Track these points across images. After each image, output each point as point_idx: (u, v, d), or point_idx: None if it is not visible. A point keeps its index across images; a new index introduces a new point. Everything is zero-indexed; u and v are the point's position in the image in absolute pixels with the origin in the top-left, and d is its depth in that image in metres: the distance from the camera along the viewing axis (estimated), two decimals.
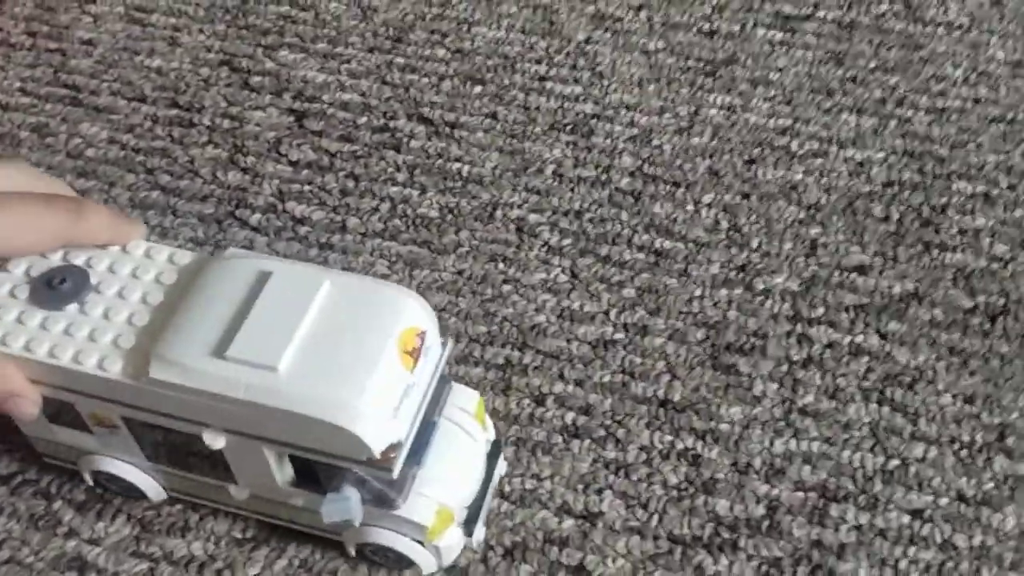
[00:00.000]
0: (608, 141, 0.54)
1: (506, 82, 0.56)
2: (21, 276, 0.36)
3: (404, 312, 0.34)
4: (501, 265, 0.48)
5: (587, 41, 0.59)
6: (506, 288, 0.47)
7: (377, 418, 0.32)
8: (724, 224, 0.50)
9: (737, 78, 0.56)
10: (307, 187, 0.52)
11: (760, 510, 0.40)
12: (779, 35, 0.58)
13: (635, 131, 0.54)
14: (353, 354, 0.33)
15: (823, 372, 0.44)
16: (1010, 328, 0.45)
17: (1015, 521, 0.39)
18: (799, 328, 0.46)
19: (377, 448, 0.32)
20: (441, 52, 0.58)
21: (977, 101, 0.54)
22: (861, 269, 0.48)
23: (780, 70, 0.57)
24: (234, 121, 0.55)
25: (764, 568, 0.39)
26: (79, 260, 0.36)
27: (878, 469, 0.41)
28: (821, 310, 0.46)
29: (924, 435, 0.42)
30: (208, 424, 0.34)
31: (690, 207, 0.51)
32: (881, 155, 0.52)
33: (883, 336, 0.45)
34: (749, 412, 0.43)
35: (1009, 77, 0.55)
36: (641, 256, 0.49)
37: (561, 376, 0.44)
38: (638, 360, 0.45)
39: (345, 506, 0.34)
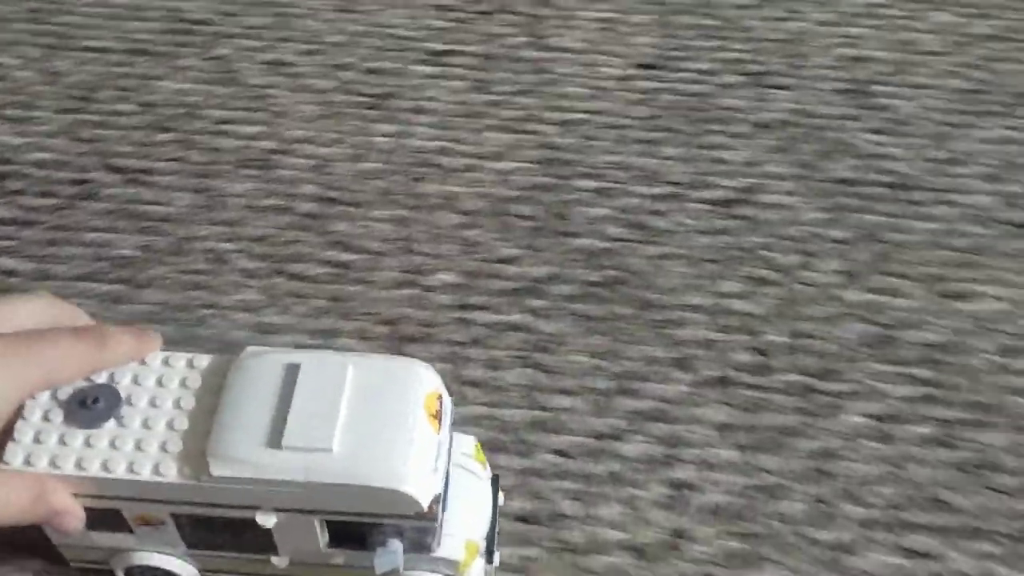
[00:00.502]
0: (290, 172, 0.61)
1: (190, 128, 0.62)
2: (50, 401, 0.38)
3: (422, 381, 0.39)
4: (197, 292, 0.54)
5: (264, 86, 0.65)
6: (204, 312, 0.53)
7: (422, 477, 0.36)
8: (396, 235, 0.58)
9: (397, 108, 0.65)
10: (13, 242, 0.55)
11: None
12: (430, 69, 0.67)
13: (313, 162, 0.61)
14: (391, 425, 0.37)
15: (484, 348, 0.53)
16: (627, 294, 0.56)
17: (639, 450, 0.50)
18: (462, 315, 0.55)
19: (425, 503, 0.37)
20: (128, 107, 0.63)
21: (595, 113, 0.66)
22: (510, 260, 0.57)
23: (434, 99, 0.66)
24: None
25: None
26: (102, 378, 0.39)
27: (529, 422, 0.50)
28: (480, 298, 0.56)
29: (564, 388, 0.52)
30: (262, 507, 0.37)
31: (366, 223, 0.59)
32: (521, 165, 0.62)
33: (530, 312, 0.55)
34: None
35: (617, 90, 0.67)
36: (327, 270, 0.56)
37: None
38: None
39: (394, 557, 0.38)
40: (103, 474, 0.37)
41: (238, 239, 0.57)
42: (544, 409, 0.51)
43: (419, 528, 0.38)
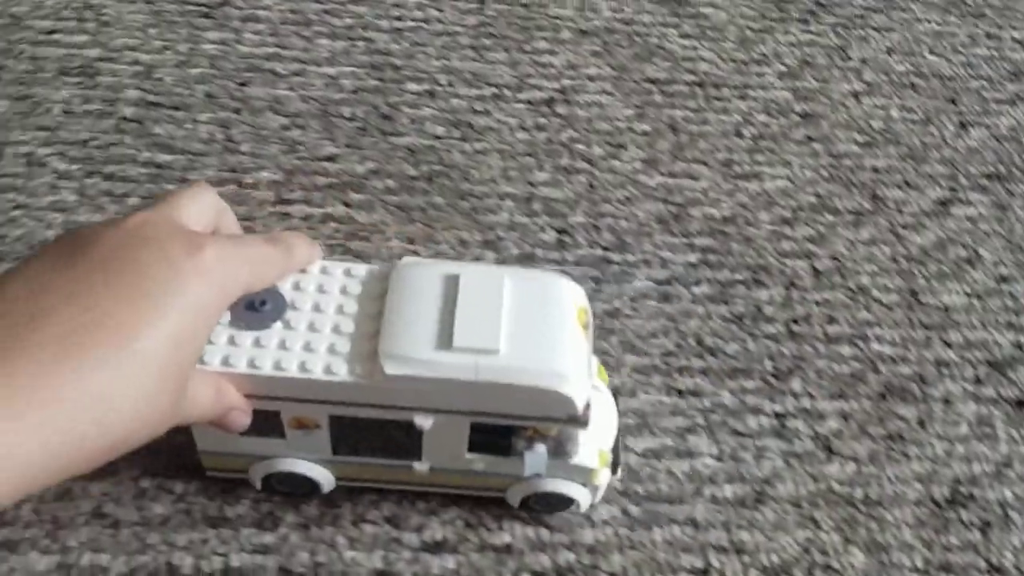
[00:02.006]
0: (113, 79, 0.61)
1: (14, 38, 0.62)
2: None
3: (573, 294, 0.40)
4: (11, 195, 0.55)
5: None
6: (16, 213, 0.54)
7: (577, 381, 0.38)
8: (219, 136, 0.59)
9: (230, 16, 0.66)
10: None
11: None
12: None
13: (138, 68, 0.62)
14: (549, 331, 0.38)
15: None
16: (445, 186, 0.58)
17: None
18: (280, 208, 0.56)
19: (581, 406, 0.38)
20: None
21: (426, 21, 0.67)
22: (332, 158, 0.59)
23: (267, 8, 0.67)
24: None
25: None
26: None
27: None
28: (299, 193, 0.57)
29: None
30: (426, 409, 0.38)
31: (188, 126, 0.59)
32: (350, 70, 0.64)
33: (347, 205, 0.56)
34: None
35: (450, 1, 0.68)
36: (144, 170, 0.57)
37: None
38: None
39: (541, 460, 0.39)
40: (275, 373, 0.38)
41: (56, 143, 0.57)
42: None
43: (562, 434, 0.40)
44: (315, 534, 0.44)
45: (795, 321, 0.52)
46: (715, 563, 0.44)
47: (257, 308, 0.39)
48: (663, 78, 0.64)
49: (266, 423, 0.40)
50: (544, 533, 0.44)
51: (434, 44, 0.66)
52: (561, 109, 0.62)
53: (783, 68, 0.64)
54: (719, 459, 0.47)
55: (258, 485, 0.44)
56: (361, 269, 0.41)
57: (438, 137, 0.60)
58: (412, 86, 0.63)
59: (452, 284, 0.39)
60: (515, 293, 0.39)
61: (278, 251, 0.40)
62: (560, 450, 0.41)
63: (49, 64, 0.61)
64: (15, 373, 0.30)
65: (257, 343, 0.38)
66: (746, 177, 0.58)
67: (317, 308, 0.39)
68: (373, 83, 0.63)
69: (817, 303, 0.53)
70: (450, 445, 0.41)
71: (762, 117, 0.62)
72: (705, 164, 0.59)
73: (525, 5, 0.68)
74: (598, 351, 0.48)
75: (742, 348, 0.51)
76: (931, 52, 0.66)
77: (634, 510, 0.45)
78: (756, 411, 0.48)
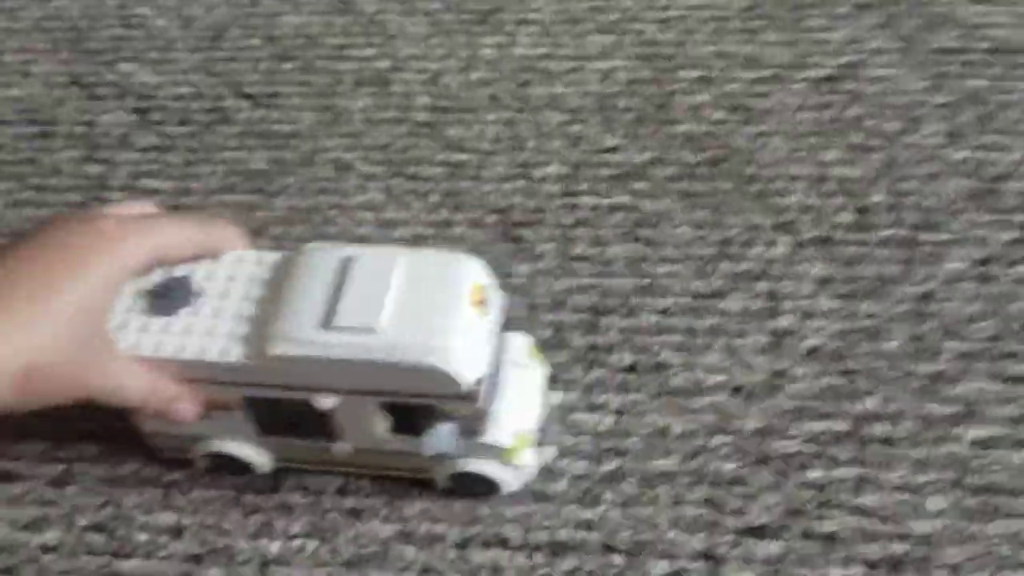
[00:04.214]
0: (404, 87, 0.65)
1: (311, 55, 0.67)
2: (133, 291, 0.42)
3: (468, 271, 0.41)
4: (324, 196, 0.59)
5: (377, 12, 0.70)
6: (332, 213, 0.58)
7: (463, 358, 0.38)
8: (505, 135, 0.61)
9: (504, 21, 0.68)
10: (155, 166, 0.61)
11: (548, 332, 0.51)
12: None
13: (425, 76, 0.65)
14: (435, 309, 0.39)
15: (589, 228, 0.56)
16: (729, 170, 0.57)
17: (739, 306, 0.51)
18: (569, 200, 0.57)
19: (466, 383, 0.38)
20: (255, 41, 0.69)
21: (694, 8, 0.67)
22: (613, 150, 0.60)
23: (538, 10, 0.68)
24: (86, 127, 0.64)
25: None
26: (182, 273, 0.42)
27: (635, 288, 0.53)
28: (585, 185, 0.58)
29: (667, 257, 0.54)
30: (319, 388, 0.40)
31: (477, 127, 0.62)
32: (622, 63, 0.64)
33: (632, 194, 0.57)
34: (534, 267, 0.54)
35: None
36: (440, 170, 0.60)
37: None
38: (444, 245, 0.56)
39: (441, 440, 0.40)
40: (176, 356, 0.40)
41: (360, 149, 0.61)
42: (649, 277, 0.53)
43: (468, 413, 0.40)
44: (634, 512, 0.44)
45: None
46: None
47: (167, 296, 0.41)
48: (955, 47, 0.61)
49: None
50: (875, 523, 0.43)
51: (704, 31, 0.65)
52: (846, 86, 0.60)
53: None
54: None
55: (202, 465, 0.46)
56: (272, 256, 0.43)
57: (717, 122, 0.60)
58: (685, 74, 0.63)
59: (346, 266, 0.40)
60: (407, 273, 0.40)
61: (191, 224, 0.43)
62: (471, 429, 0.41)
63: (346, 78, 0.66)
64: None
65: (165, 328, 0.41)
66: None
67: (225, 295, 0.42)
68: (646, 74, 0.64)
69: None
70: (363, 426, 0.41)
71: None
72: (1014, 135, 0.55)
73: None
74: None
75: None
76: None
77: (970, 502, 0.43)
78: None
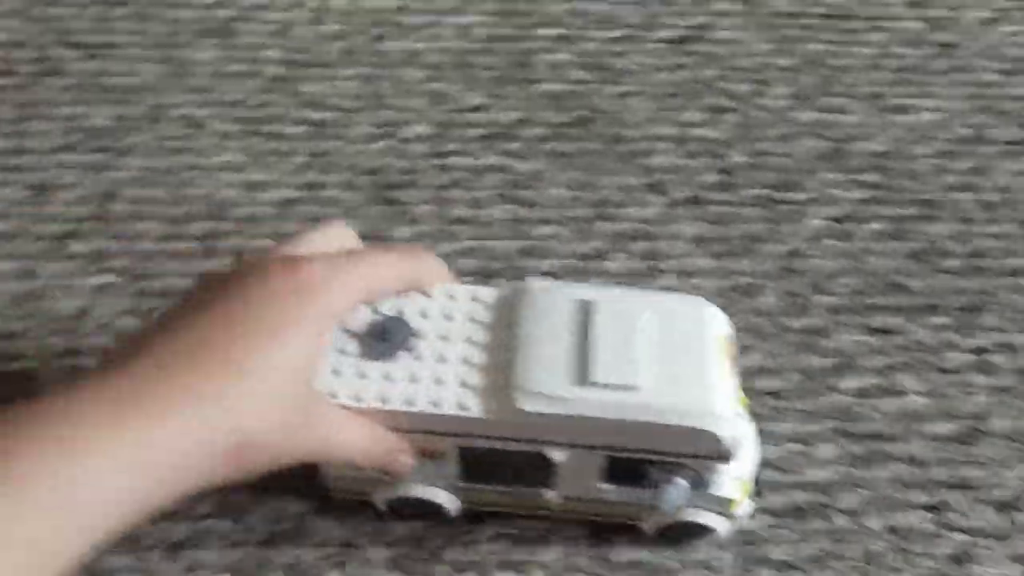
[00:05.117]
0: (252, 39, 0.61)
1: (143, 1, 0.62)
2: (343, 334, 0.38)
3: (717, 322, 0.39)
4: (179, 157, 0.55)
5: None
6: (191, 175, 0.54)
7: (728, 418, 0.36)
8: (365, 92, 0.59)
9: None
10: None
11: None
12: None
13: (273, 27, 0.62)
14: (694, 365, 0.37)
15: (464, 190, 0.55)
16: (597, 130, 0.58)
17: (622, 267, 0.53)
18: (440, 161, 0.57)
19: (727, 443, 0.36)
20: None
21: None
22: (478, 109, 0.59)
23: None
24: None
25: None
26: (391, 311, 0.38)
27: (515, 251, 0.53)
28: (454, 145, 0.57)
29: (546, 218, 0.54)
30: (561, 444, 0.37)
31: (334, 83, 0.60)
32: (478, 19, 0.64)
33: (504, 154, 0.57)
34: (414, 230, 0.53)
35: None
36: (301, 129, 0.57)
37: (253, 236, 0.52)
38: (317, 209, 0.54)
39: (681, 494, 0.38)
40: (406, 408, 0.37)
41: (211, 104, 0.58)
42: (528, 239, 0.53)
43: (705, 465, 0.38)
44: None
45: (974, 255, 0.53)
46: (945, 499, 0.45)
47: (384, 339, 0.38)
48: (794, 11, 0.64)
49: None
50: (775, 473, 0.45)
51: None
52: (697, 47, 0.62)
53: None
54: (927, 396, 0.48)
55: (382, 508, 0.42)
56: (489, 293, 0.40)
57: (579, 81, 0.61)
58: (545, 31, 0.63)
59: (586, 311, 0.38)
60: (655, 323, 0.37)
61: (399, 257, 0.39)
62: (701, 481, 0.39)
63: (187, 26, 0.61)
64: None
65: (386, 376, 0.37)
66: (898, 110, 0.59)
67: (445, 337, 0.38)
68: (506, 31, 0.63)
69: (991, 236, 0.54)
70: (585, 476, 0.39)
71: (900, 48, 0.62)
72: (854, 97, 0.60)
73: None
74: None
75: (927, 284, 0.52)
76: None
77: (856, 448, 0.46)
78: (953, 347, 0.50)
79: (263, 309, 0.35)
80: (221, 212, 0.53)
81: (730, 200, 0.55)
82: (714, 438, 0.36)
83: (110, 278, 0.50)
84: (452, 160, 0.57)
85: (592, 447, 0.37)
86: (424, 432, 0.37)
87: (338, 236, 0.39)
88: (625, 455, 0.38)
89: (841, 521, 0.44)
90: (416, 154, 0.57)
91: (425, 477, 0.40)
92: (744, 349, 0.49)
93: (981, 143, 0.58)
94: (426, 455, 0.39)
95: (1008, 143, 0.58)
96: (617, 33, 0.63)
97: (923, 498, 0.45)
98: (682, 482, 0.38)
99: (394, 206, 0.54)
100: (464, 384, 0.37)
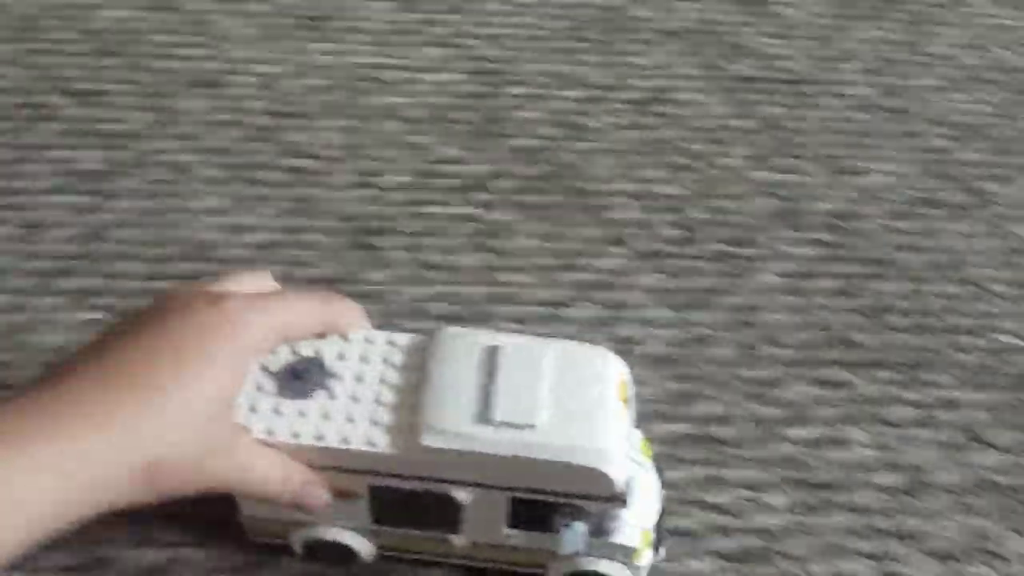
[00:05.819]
0: (238, 91, 0.64)
1: (135, 52, 0.65)
2: (262, 372, 0.40)
3: (615, 368, 0.40)
4: (165, 200, 0.58)
5: (200, 11, 0.68)
6: (175, 217, 0.57)
7: (620, 460, 0.38)
8: (346, 143, 0.62)
9: (334, 29, 0.69)
10: None
11: None
12: None
13: (259, 80, 0.65)
14: (591, 408, 0.38)
15: (440, 236, 0.58)
16: (564, 184, 0.62)
17: (584, 314, 0.56)
18: (416, 209, 0.59)
19: (621, 485, 0.38)
20: (72, 34, 0.65)
21: (521, 27, 0.71)
22: (454, 161, 0.62)
23: (367, 19, 0.70)
24: None
25: None
26: (309, 352, 0.40)
27: (487, 296, 0.56)
28: (429, 195, 0.60)
29: (515, 266, 0.57)
30: (462, 482, 0.39)
31: (316, 133, 0.63)
32: (454, 77, 0.67)
33: (476, 205, 0.60)
34: (388, 274, 0.56)
35: (537, 5, 0.72)
36: (287, 176, 0.60)
37: None
38: (297, 252, 0.56)
39: (579, 538, 0.39)
40: (317, 443, 0.38)
41: (198, 151, 0.60)
42: (502, 285, 0.56)
43: (604, 512, 0.40)
44: None
45: (921, 313, 0.56)
46: (888, 548, 0.48)
47: (301, 378, 0.40)
48: (754, 75, 0.68)
49: None
50: (725, 519, 0.48)
51: (531, 49, 0.69)
52: (660, 108, 0.66)
53: (864, 64, 0.69)
54: (873, 448, 0.51)
55: (299, 551, 0.44)
56: (404, 338, 0.42)
57: (548, 138, 0.64)
58: (517, 90, 0.67)
59: (492, 356, 0.39)
60: (556, 366, 0.39)
61: (314, 301, 0.41)
62: (601, 528, 0.41)
63: (177, 77, 0.64)
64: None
65: (300, 413, 0.39)
66: (851, 172, 0.63)
67: (360, 378, 0.40)
68: (480, 88, 0.66)
69: (938, 296, 0.57)
70: (489, 519, 0.41)
71: (853, 113, 0.66)
72: (808, 159, 0.63)
73: (608, 8, 0.72)
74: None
75: (875, 340, 0.55)
76: (998, 46, 0.71)
77: (805, 497, 0.49)
78: (899, 401, 0.53)
79: (184, 340, 0.37)
80: (204, 253, 0.56)
81: (689, 254, 0.58)
82: (606, 478, 0.38)
83: (96, 314, 0.53)
84: (427, 209, 0.60)
85: (493, 486, 0.39)
86: (334, 468, 0.39)
87: (260, 279, 0.42)
88: (526, 495, 0.39)
89: (787, 566, 0.47)
90: (393, 202, 0.60)
91: (338, 519, 0.42)
92: (699, 398, 0.52)
93: (930, 205, 0.62)
94: (340, 495, 0.40)
95: (955, 206, 0.62)
96: (584, 93, 0.66)
97: (867, 547, 0.48)
98: (580, 525, 0.39)
99: (370, 251, 0.57)
100: (374, 422, 0.39)
